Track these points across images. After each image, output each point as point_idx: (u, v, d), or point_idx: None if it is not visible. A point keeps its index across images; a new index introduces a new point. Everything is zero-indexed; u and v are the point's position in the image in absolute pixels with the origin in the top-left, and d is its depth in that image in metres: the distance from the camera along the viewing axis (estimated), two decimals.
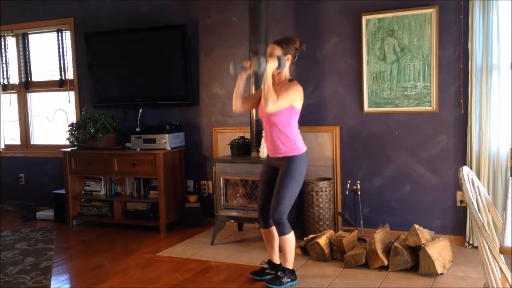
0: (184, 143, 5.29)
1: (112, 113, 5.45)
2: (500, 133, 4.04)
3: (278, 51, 3.42)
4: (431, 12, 4.22)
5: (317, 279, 3.64)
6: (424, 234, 3.73)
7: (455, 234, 4.29)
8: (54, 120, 6.15)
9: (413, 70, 4.33)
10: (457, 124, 4.24)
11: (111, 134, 5.33)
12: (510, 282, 2.09)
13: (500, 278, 2.01)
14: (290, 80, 3.50)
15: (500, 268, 2.02)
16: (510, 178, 2.88)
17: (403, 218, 4.44)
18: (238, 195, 4.61)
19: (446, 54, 4.23)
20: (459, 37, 4.17)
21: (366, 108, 4.52)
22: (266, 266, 3.68)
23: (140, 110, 5.41)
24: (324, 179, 4.57)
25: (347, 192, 4.52)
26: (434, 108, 4.29)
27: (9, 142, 6.45)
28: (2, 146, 6.30)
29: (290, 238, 3.49)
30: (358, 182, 4.49)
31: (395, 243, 3.71)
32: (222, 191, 4.57)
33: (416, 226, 3.74)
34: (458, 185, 3.98)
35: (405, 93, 4.37)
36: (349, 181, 4.52)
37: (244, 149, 4.63)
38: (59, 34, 5.89)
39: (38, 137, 6.31)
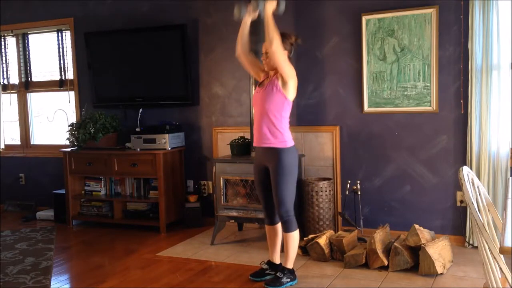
0: (184, 143, 5.29)
1: (112, 113, 5.45)
2: (500, 133, 4.04)
3: None
4: (431, 12, 4.22)
5: (317, 279, 3.64)
6: (424, 234, 3.73)
7: (455, 234, 4.29)
8: (54, 120, 6.15)
9: (413, 70, 4.33)
10: (457, 124, 4.24)
11: (111, 134, 5.32)
12: (510, 282, 2.09)
13: (500, 278, 2.00)
14: None
15: (500, 268, 2.02)
16: (510, 178, 2.88)
17: (403, 218, 4.44)
18: (238, 195, 4.61)
19: (446, 54, 4.23)
20: (459, 37, 4.17)
21: (366, 108, 4.52)
22: (265, 266, 3.68)
23: (140, 110, 5.41)
24: (324, 179, 4.57)
25: (347, 192, 4.52)
26: (434, 108, 4.29)
27: (9, 142, 6.45)
28: (2, 146, 6.30)
29: (295, 235, 3.50)
30: (358, 182, 4.49)
31: (395, 243, 3.71)
32: (222, 191, 4.57)
33: (416, 226, 3.74)
34: (458, 185, 3.98)
35: (405, 93, 4.37)
36: (349, 181, 4.52)
37: (244, 149, 4.63)
38: (59, 34, 5.89)
39: (38, 137, 6.31)
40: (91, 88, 5.60)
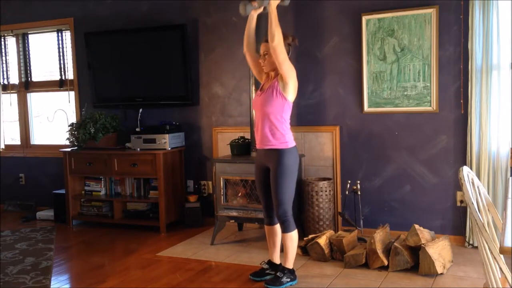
0: (184, 143, 5.29)
1: (112, 113, 5.44)
2: (500, 133, 4.04)
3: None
4: (431, 12, 4.22)
5: (317, 279, 3.64)
6: (424, 234, 3.73)
7: (455, 234, 4.29)
8: (54, 120, 6.15)
9: (413, 70, 4.33)
10: (457, 124, 4.24)
11: (111, 134, 5.32)
12: (510, 282, 2.09)
13: (500, 278, 2.00)
14: None
15: (500, 268, 2.02)
16: (510, 178, 2.88)
17: (403, 218, 4.44)
18: (238, 195, 4.61)
19: (446, 54, 4.23)
20: (459, 37, 4.17)
21: (366, 108, 4.52)
22: (266, 266, 3.68)
23: (140, 110, 5.41)
24: (324, 179, 4.57)
25: (347, 192, 4.52)
26: (434, 108, 4.29)
27: (9, 142, 6.45)
28: (2, 146, 6.30)
29: (294, 236, 3.50)
30: (358, 182, 4.49)
31: (395, 243, 3.71)
32: (222, 191, 4.57)
33: (416, 226, 3.74)
34: (458, 185, 3.98)
35: (405, 93, 4.37)
36: (349, 181, 4.52)
37: (244, 149, 4.63)
38: (59, 34, 5.89)
39: (38, 137, 6.31)
40: (91, 88, 5.60)
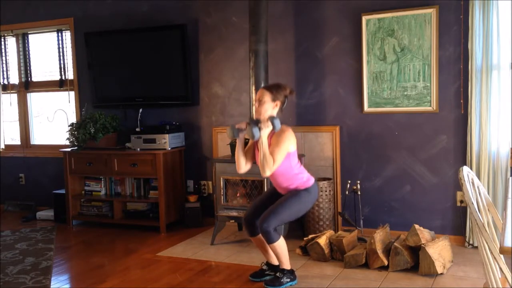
0: (184, 143, 5.29)
1: (112, 113, 5.44)
2: (500, 133, 4.04)
3: (267, 96, 3.43)
4: (431, 12, 4.22)
5: (317, 279, 3.64)
6: (424, 234, 3.73)
7: (455, 234, 4.29)
8: (54, 120, 6.15)
9: (413, 70, 4.33)
10: (457, 124, 4.24)
11: (111, 134, 5.32)
12: (510, 282, 2.09)
13: (500, 278, 2.01)
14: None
15: (500, 268, 2.02)
16: (510, 178, 2.88)
17: (403, 218, 4.44)
18: (238, 195, 4.61)
19: (446, 54, 4.23)
20: (459, 37, 4.17)
21: (366, 108, 4.52)
22: (265, 267, 3.68)
23: (140, 110, 5.41)
24: (324, 179, 4.57)
25: (347, 192, 4.52)
26: (434, 108, 4.29)
27: (9, 142, 6.45)
28: (2, 146, 6.30)
29: (280, 243, 3.47)
30: (358, 182, 4.49)
31: (395, 243, 3.71)
32: (222, 191, 4.57)
33: (416, 226, 3.74)
34: (458, 185, 3.98)
35: (405, 93, 4.37)
36: (349, 181, 4.52)
37: None
38: (59, 34, 5.89)
39: (38, 137, 6.31)
40: (91, 88, 5.60)
